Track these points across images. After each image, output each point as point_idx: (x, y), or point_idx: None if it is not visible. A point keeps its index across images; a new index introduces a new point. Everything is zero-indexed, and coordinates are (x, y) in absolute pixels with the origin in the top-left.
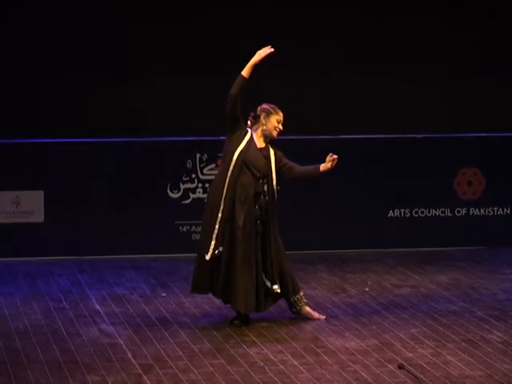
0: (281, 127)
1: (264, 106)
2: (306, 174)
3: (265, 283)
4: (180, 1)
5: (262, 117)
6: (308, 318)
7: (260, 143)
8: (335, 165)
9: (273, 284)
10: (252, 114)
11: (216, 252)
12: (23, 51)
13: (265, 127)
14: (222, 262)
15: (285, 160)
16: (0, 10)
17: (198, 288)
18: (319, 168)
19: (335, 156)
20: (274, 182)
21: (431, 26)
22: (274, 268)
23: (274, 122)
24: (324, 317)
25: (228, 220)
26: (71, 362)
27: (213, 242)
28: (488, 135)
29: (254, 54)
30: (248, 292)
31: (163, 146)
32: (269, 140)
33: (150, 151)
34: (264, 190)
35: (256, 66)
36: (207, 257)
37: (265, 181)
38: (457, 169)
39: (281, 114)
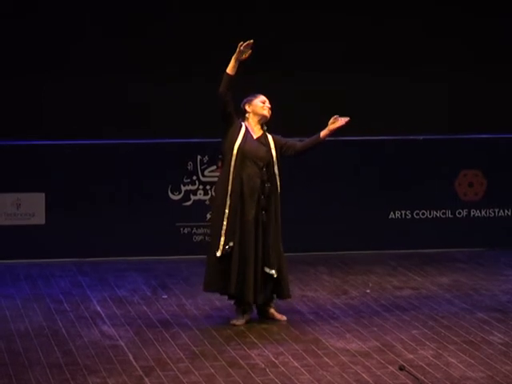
0: (268, 105)
1: (244, 99)
2: (308, 146)
3: (265, 272)
4: (181, 2)
5: (246, 107)
6: (306, 320)
7: (256, 133)
8: (340, 126)
9: (271, 269)
10: (241, 115)
11: (227, 247)
12: (24, 52)
13: (252, 114)
14: (233, 256)
15: (284, 140)
16: (0, 10)
17: (210, 287)
18: (320, 135)
19: (337, 117)
20: (276, 167)
21: (432, 27)
22: (272, 253)
23: (258, 103)
24: (285, 318)
25: (236, 214)
26: (72, 364)
27: (222, 239)
28: (489, 137)
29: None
30: (257, 283)
31: (164, 148)
32: (265, 127)
33: (151, 153)
34: (268, 178)
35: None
36: (218, 253)
37: (268, 168)
38: (458, 170)
39: (261, 96)
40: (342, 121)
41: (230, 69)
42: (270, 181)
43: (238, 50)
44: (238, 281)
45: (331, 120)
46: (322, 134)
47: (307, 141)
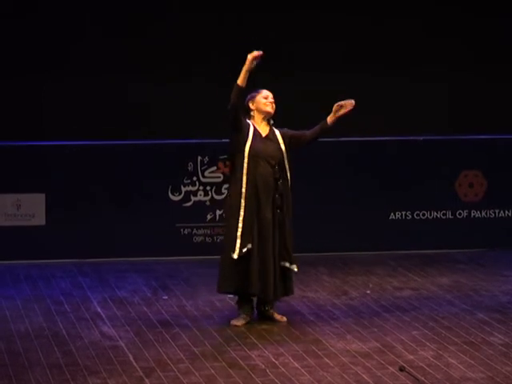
0: (271, 100)
1: (248, 96)
2: (317, 134)
3: (283, 267)
4: (181, 2)
5: (250, 105)
6: (306, 320)
7: (264, 130)
8: (347, 112)
9: (291, 264)
10: (246, 112)
11: (244, 250)
12: (24, 52)
13: (256, 111)
14: (252, 257)
15: (291, 132)
16: (0, 10)
17: (225, 288)
18: (327, 122)
19: (342, 103)
20: (286, 162)
21: (432, 27)
22: (289, 248)
23: (261, 99)
24: (285, 319)
25: (252, 215)
26: (72, 365)
27: (238, 241)
28: (489, 137)
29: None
30: (276, 281)
31: (164, 149)
32: (271, 122)
33: (151, 154)
34: (280, 175)
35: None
36: (234, 255)
37: (280, 165)
38: (458, 171)
39: (264, 91)
40: (348, 105)
41: (241, 80)
42: (282, 177)
43: (248, 61)
44: (259, 281)
45: (335, 107)
46: (329, 120)
47: (315, 129)
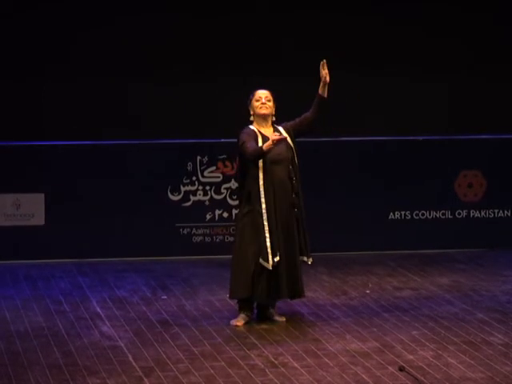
0: (263, 101)
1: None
2: (316, 109)
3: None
4: (182, 2)
5: (250, 110)
6: (305, 320)
7: (267, 131)
8: (326, 72)
9: (308, 258)
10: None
11: (276, 259)
12: (24, 54)
13: (256, 116)
14: (283, 264)
15: (291, 123)
16: (0, 12)
17: (237, 294)
18: (319, 94)
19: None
20: (296, 159)
21: (432, 27)
22: (307, 241)
23: (255, 102)
24: (284, 318)
25: (276, 222)
26: (72, 365)
27: (269, 251)
28: (489, 137)
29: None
30: (300, 277)
31: (164, 149)
32: (274, 118)
33: (151, 153)
34: (294, 173)
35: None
36: (269, 266)
37: (293, 163)
38: (458, 171)
39: (257, 93)
40: (324, 67)
41: (266, 150)
42: (295, 173)
43: (269, 144)
44: (294, 285)
45: (322, 78)
46: (320, 91)
47: (314, 107)
